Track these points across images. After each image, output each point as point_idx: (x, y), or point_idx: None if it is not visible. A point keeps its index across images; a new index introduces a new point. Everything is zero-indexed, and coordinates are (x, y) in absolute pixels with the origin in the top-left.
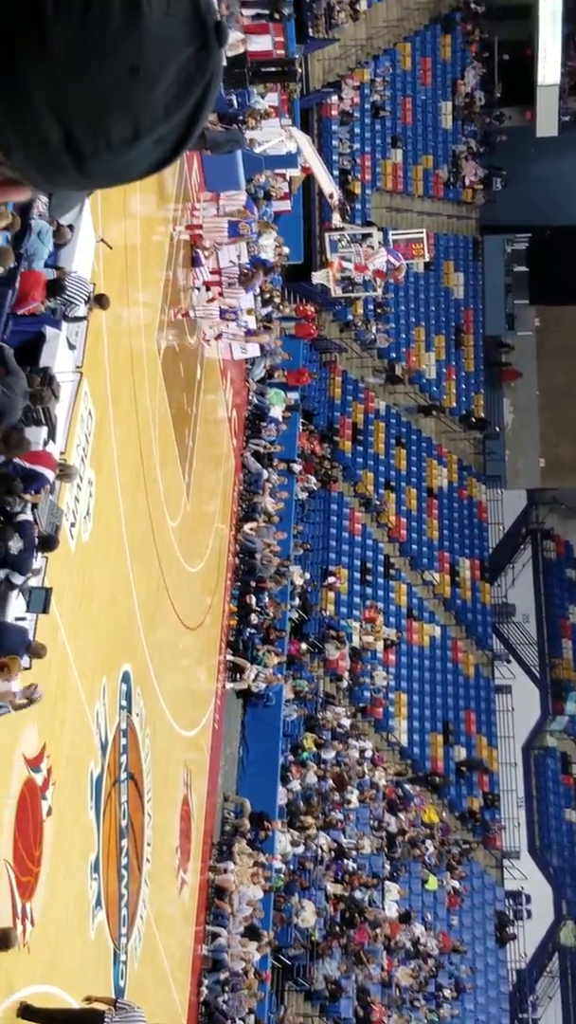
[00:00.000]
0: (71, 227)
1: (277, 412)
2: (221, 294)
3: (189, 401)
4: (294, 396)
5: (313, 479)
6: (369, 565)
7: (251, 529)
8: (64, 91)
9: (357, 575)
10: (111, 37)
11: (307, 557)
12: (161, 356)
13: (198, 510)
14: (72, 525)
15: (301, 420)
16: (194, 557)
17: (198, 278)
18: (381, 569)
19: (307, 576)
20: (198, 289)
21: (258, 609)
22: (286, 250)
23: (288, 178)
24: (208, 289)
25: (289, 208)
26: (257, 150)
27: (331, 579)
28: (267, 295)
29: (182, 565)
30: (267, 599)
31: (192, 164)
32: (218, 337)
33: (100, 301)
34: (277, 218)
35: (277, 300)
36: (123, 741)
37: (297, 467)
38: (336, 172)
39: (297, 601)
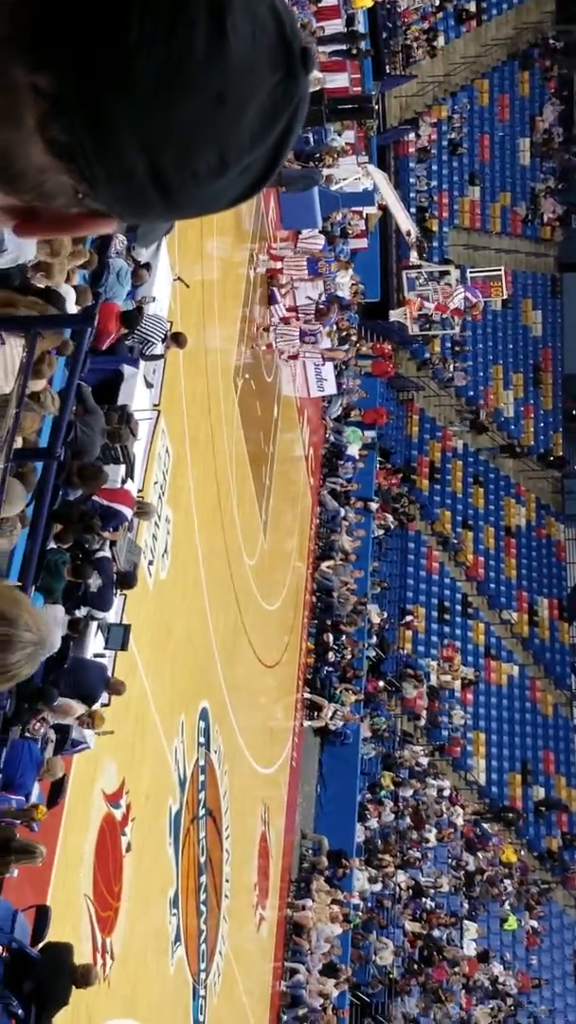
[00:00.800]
0: (148, 266)
1: (354, 450)
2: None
3: (266, 439)
4: (371, 434)
5: (390, 517)
6: (447, 604)
7: (328, 567)
8: (150, 122)
9: (435, 614)
10: (197, 65)
11: (384, 595)
12: (238, 394)
13: (275, 548)
14: (150, 563)
15: (378, 458)
16: (271, 595)
17: (274, 316)
18: (459, 608)
19: (384, 614)
20: (274, 327)
21: (335, 647)
22: (362, 287)
23: (365, 215)
24: (286, 323)
25: (366, 246)
26: (334, 187)
27: (408, 617)
28: (344, 333)
29: (259, 603)
30: (344, 637)
31: (269, 202)
32: (294, 356)
33: (177, 339)
34: (354, 256)
35: (354, 338)
36: (201, 778)
37: (374, 505)
38: (413, 209)
39: (374, 639)
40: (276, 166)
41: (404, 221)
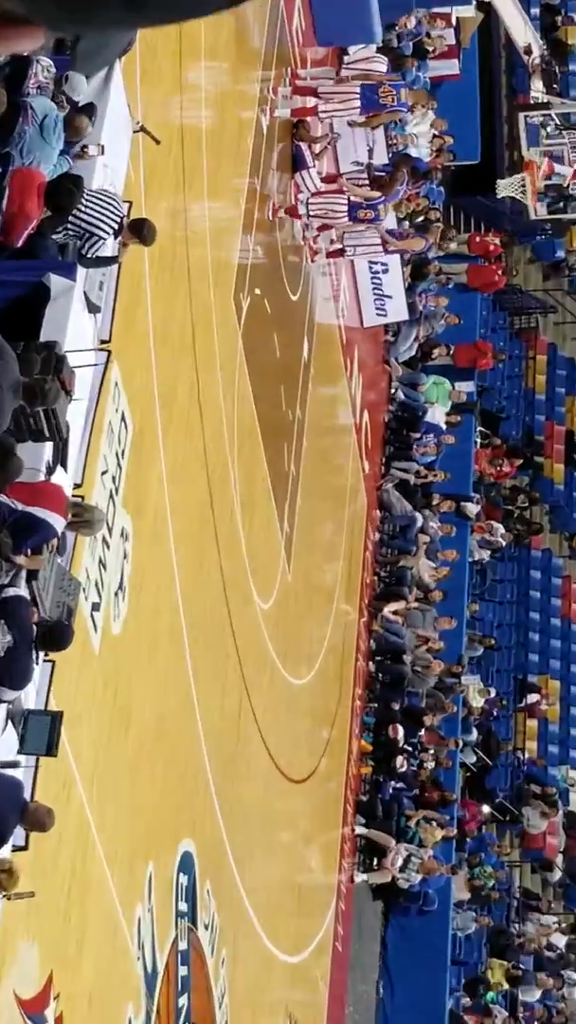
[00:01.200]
0: (91, 109)
1: (438, 415)
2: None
3: (290, 399)
4: (467, 388)
5: (500, 527)
6: None
7: (396, 613)
8: None
9: None
10: None
11: (491, 660)
12: (242, 323)
13: (306, 581)
14: (95, 607)
15: (479, 429)
16: (300, 661)
17: (303, 187)
18: None
19: (491, 693)
20: (302, 208)
21: (408, 748)
22: (451, 141)
23: (456, 21)
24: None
25: (457, 73)
26: None
27: (533, 697)
28: (420, 216)
29: (280, 674)
30: (424, 732)
31: (294, 4)
32: (336, 253)
33: (140, 231)
34: (437, 88)
35: (437, 226)
36: (182, 971)
37: (473, 507)
38: (536, 9)
39: (474, 735)
40: None
41: (521, 29)
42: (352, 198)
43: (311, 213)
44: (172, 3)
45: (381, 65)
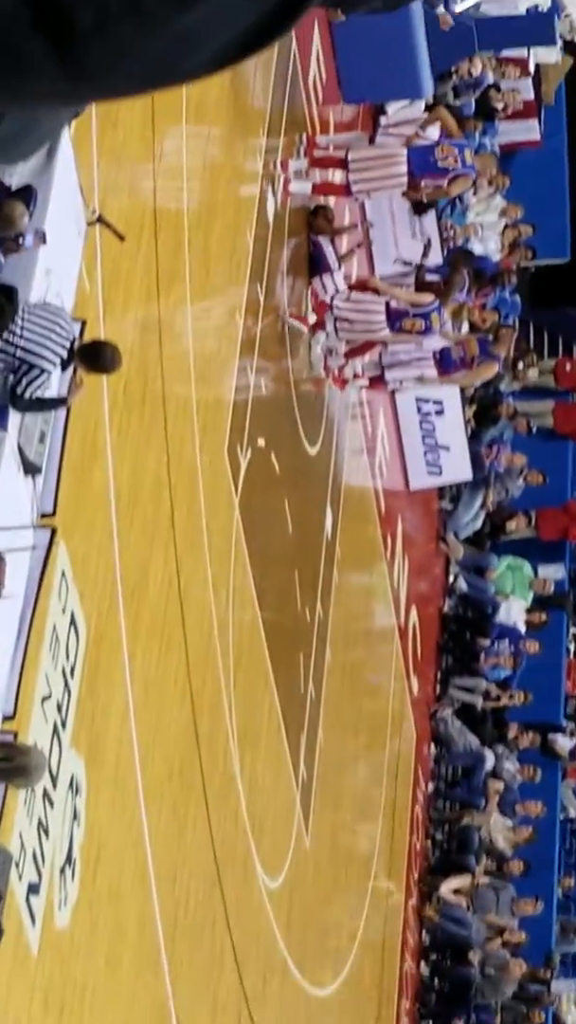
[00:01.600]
0: (29, 194)
1: (515, 613)
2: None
3: (307, 591)
4: (555, 574)
5: None
6: None
7: (457, 892)
8: None
9: None
10: None
11: None
12: (240, 485)
13: (331, 849)
14: (32, 889)
15: (573, 631)
16: (323, 962)
17: (323, 295)
18: None
19: None
20: (321, 323)
21: None
22: (529, 232)
23: (536, 70)
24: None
25: (538, 138)
26: (462, 6)
27: None
28: (488, 333)
29: (294, 981)
30: None
31: (309, 50)
32: (377, 382)
33: (96, 358)
34: (510, 159)
35: (505, 344)
36: None
37: (566, 742)
38: None
39: None
40: None
41: None
42: (393, 303)
43: (337, 318)
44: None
45: (434, 129)
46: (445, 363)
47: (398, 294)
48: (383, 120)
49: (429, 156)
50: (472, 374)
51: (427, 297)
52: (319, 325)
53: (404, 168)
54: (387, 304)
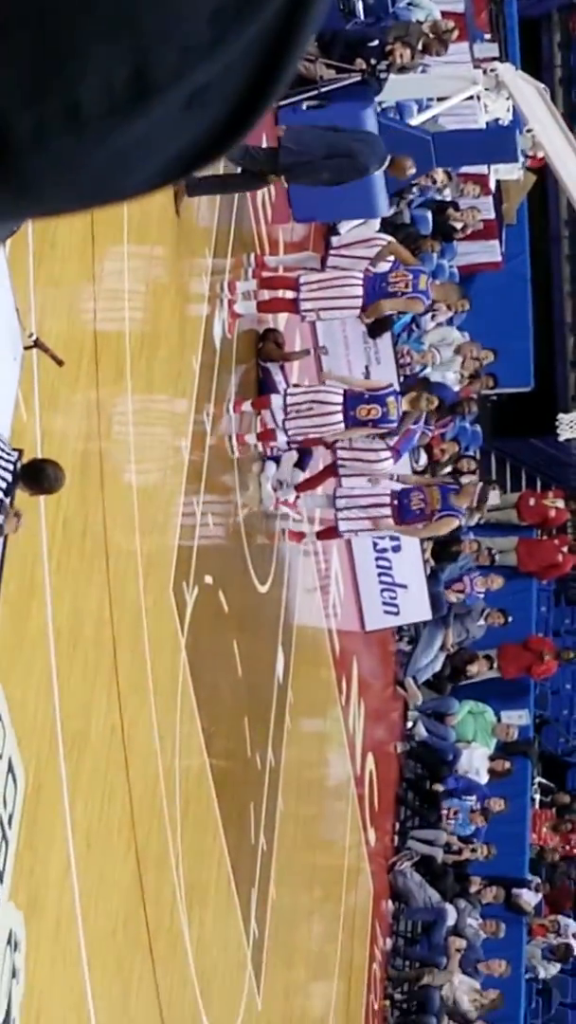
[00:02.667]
0: None
1: (477, 761)
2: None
3: (258, 737)
4: (519, 720)
5: (571, 924)
6: None
7: None
8: None
9: None
10: None
11: None
12: (187, 626)
13: (285, 1011)
14: None
15: (537, 780)
16: None
17: (273, 420)
18: None
19: None
20: (269, 455)
21: None
22: (490, 359)
23: (494, 186)
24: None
25: (499, 260)
26: (418, 119)
27: None
28: (447, 466)
29: None
30: None
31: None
32: (329, 533)
33: (38, 477)
34: (469, 282)
35: (472, 484)
36: None
37: (531, 897)
38: None
39: None
40: (270, 89)
41: None
42: (360, 462)
43: (289, 406)
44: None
45: (385, 265)
46: (403, 513)
47: (353, 380)
48: (335, 240)
49: (381, 282)
50: (431, 528)
51: (380, 382)
52: (267, 454)
53: (359, 291)
54: (344, 392)
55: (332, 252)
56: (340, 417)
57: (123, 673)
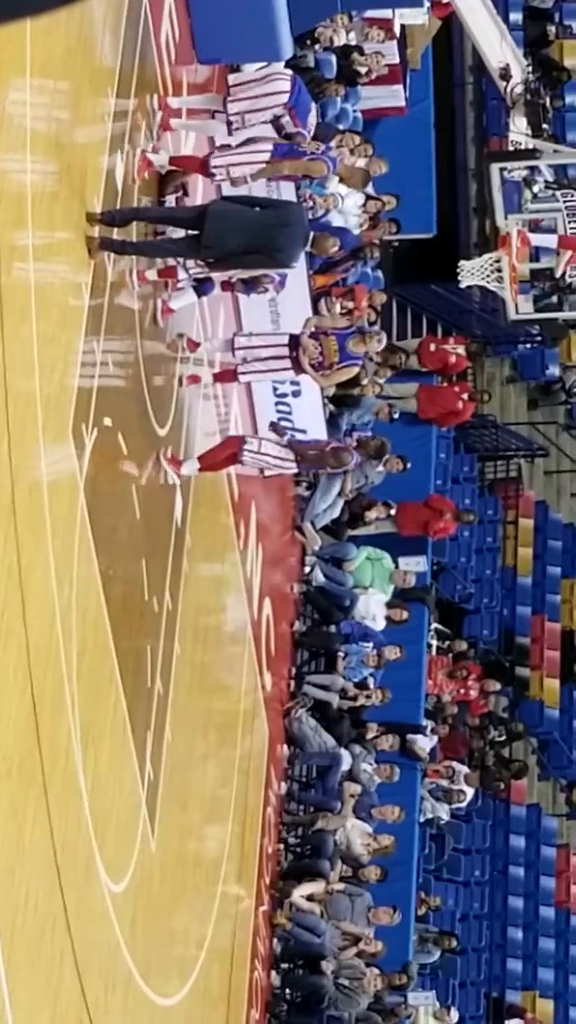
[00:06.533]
0: None
1: (374, 607)
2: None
3: (155, 580)
4: (416, 567)
5: (465, 771)
6: None
7: (310, 899)
8: None
9: None
10: None
11: (453, 969)
12: (85, 468)
13: (178, 853)
14: None
15: (434, 627)
16: (169, 971)
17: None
18: None
19: (451, 1017)
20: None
21: None
22: (392, 203)
23: (399, 31)
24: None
25: (403, 105)
26: None
27: None
28: (345, 314)
29: (138, 990)
30: None
31: (163, 5)
32: (227, 376)
33: None
34: (373, 126)
35: (371, 327)
36: None
37: (425, 742)
38: (519, 17)
39: None
40: None
41: (496, 44)
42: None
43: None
44: None
45: (284, 86)
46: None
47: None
48: (231, 78)
49: (285, 144)
50: (331, 376)
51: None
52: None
53: (267, 156)
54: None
55: (231, 90)
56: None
57: (20, 514)
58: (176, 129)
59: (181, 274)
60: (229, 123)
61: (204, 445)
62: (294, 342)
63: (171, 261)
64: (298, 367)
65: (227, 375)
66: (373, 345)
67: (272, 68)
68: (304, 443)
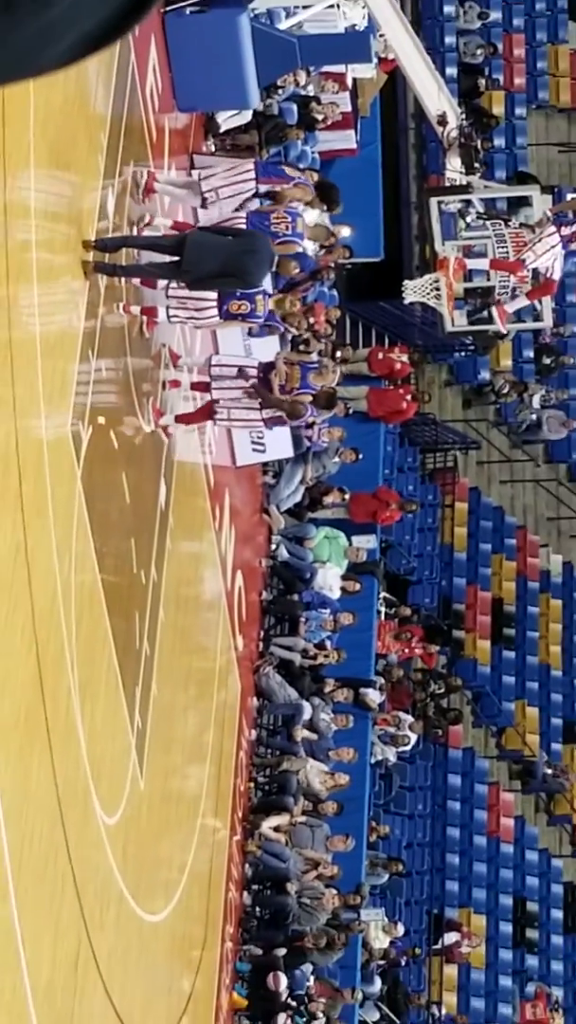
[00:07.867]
0: None
1: (330, 579)
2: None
3: (143, 556)
4: (367, 544)
5: (409, 719)
6: (534, 906)
7: (277, 830)
8: None
9: (509, 927)
10: None
11: (399, 889)
12: (82, 460)
13: (163, 790)
14: None
15: (383, 595)
16: (155, 892)
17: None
18: (560, 915)
19: (398, 930)
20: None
21: (293, 1003)
22: (346, 232)
23: (351, 83)
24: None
25: (354, 147)
26: (286, 24)
27: (451, 937)
28: (305, 329)
29: (129, 908)
30: (314, 981)
31: (147, 56)
32: (201, 386)
33: None
34: (328, 166)
35: (324, 336)
36: None
37: (375, 695)
38: (453, 71)
39: (377, 985)
40: None
41: (434, 94)
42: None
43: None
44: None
45: (248, 164)
46: (266, 386)
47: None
48: (203, 171)
49: (264, 221)
50: (290, 405)
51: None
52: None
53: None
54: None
55: (205, 189)
56: (215, 316)
57: (27, 501)
58: (158, 192)
59: (160, 313)
60: (204, 198)
61: (185, 442)
62: (266, 366)
63: (148, 302)
64: (266, 386)
65: (202, 385)
66: (330, 378)
67: (243, 117)
68: (267, 388)
